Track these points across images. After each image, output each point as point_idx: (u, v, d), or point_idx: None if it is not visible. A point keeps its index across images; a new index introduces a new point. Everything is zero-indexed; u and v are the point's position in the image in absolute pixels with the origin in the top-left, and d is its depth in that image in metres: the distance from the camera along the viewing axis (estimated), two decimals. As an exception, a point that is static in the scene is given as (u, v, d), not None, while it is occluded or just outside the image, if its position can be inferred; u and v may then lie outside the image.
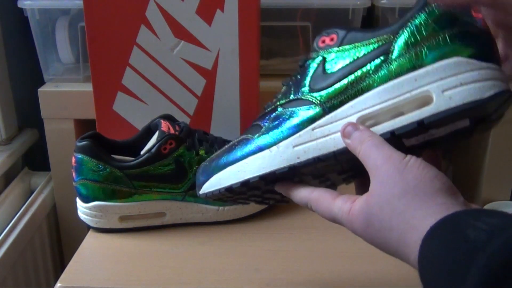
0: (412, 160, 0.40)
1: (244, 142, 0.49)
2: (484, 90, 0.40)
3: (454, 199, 0.39)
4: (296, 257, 0.65)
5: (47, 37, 0.91)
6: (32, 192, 0.97)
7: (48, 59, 0.92)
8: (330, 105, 0.45)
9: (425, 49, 0.42)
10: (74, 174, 0.69)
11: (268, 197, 0.53)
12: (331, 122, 0.45)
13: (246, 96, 0.78)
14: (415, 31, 0.43)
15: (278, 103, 0.49)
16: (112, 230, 0.70)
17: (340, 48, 0.46)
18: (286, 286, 0.61)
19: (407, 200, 0.39)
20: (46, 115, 0.90)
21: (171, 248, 0.67)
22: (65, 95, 0.89)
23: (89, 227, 0.71)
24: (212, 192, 0.50)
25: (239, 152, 0.49)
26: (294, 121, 0.47)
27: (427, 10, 0.43)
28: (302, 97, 0.47)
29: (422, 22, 0.43)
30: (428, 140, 0.44)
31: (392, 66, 0.43)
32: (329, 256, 0.66)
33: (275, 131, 0.47)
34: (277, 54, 0.95)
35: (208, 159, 0.53)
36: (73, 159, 0.68)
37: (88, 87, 0.79)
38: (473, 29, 0.43)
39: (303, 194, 0.47)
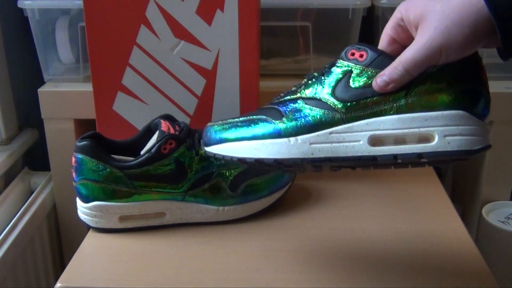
0: None
1: (263, 122, 0.54)
2: (475, 143, 0.50)
3: None
4: (296, 257, 0.66)
5: (47, 37, 0.91)
6: (32, 192, 0.97)
7: (48, 59, 0.92)
8: (349, 117, 0.52)
9: (440, 95, 0.50)
10: (74, 174, 0.69)
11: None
12: (347, 132, 0.52)
13: (246, 96, 0.78)
14: (434, 78, 0.50)
15: (299, 94, 0.54)
16: (112, 230, 0.70)
17: (368, 68, 0.52)
18: (286, 286, 0.61)
19: None
20: (46, 115, 0.90)
21: (171, 248, 0.67)
22: (65, 95, 0.89)
23: (89, 227, 0.71)
24: (223, 156, 0.55)
25: (257, 131, 0.54)
26: (315, 120, 0.52)
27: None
28: (325, 100, 0.53)
29: (441, 72, 0.50)
30: (415, 162, 0.52)
31: (410, 101, 0.50)
32: (329, 256, 0.66)
33: (296, 123, 0.53)
34: (277, 54, 0.95)
35: (221, 123, 0.56)
36: (73, 159, 0.68)
37: (88, 87, 0.79)
38: (481, 89, 0.51)
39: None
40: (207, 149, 0.56)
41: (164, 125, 0.68)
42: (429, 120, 0.50)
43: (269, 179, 0.73)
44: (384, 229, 0.71)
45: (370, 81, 0.51)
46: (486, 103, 0.51)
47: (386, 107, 0.51)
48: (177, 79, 0.78)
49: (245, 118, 0.55)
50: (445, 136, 0.50)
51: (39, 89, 0.89)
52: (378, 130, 0.51)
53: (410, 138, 0.50)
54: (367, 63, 0.52)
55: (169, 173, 0.68)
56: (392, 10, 0.89)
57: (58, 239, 1.01)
